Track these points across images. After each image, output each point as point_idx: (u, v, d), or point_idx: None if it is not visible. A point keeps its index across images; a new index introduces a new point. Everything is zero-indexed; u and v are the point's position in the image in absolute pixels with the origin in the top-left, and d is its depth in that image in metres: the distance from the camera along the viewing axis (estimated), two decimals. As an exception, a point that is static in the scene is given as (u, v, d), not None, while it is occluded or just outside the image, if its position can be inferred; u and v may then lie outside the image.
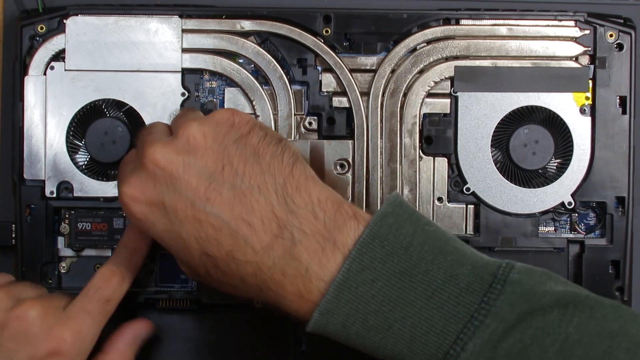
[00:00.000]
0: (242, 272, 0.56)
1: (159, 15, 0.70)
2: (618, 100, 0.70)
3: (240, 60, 0.71)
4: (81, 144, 0.70)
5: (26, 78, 0.69)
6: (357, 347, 0.56)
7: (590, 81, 0.70)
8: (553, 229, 0.71)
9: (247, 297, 0.58)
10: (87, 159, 0.70)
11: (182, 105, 0.70)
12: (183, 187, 0.56)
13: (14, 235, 0.70)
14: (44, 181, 0.69)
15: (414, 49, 0.70)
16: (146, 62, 0.69)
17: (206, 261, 0.56)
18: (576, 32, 0.70)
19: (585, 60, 0.70)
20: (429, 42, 0.70)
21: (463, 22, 0.70)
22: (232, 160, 0.56)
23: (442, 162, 0.71)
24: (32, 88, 0.69)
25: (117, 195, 0.69)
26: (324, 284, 0.55)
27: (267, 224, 0.55)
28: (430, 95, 0.70)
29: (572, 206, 0.70)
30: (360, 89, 0.70)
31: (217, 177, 0.56)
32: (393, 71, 0.70)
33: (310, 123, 0.70)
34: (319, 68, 0.70)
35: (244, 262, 0.55)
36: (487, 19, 0.70)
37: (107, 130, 0.70)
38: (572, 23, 0.70)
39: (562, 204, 0.70)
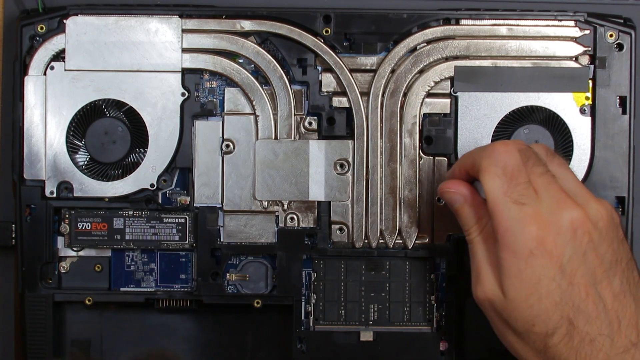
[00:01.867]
0: (587, 355, 0.57)
1: (159, 15, 0.70)
2: (618, 100, 0.70)
3: (240, 60, 0.71)
4: (81, 144, 0.70)
5: (26, 78, 0.69)
6: None
7: (590, 81, 0.70)
8: (553, 229, 0.71)
9: None
10: (87, 159, 0.70)
11: (181, 105, 0.70)
12: (592, 257, 0.58)
13: (14, 235, 0.70)
14: (44, 181, 0.69)
15: (414, 49, 0.70)
16: (146, 62, 0.69)
17: (563, 325, 0.57)
18: (576, 32, 0.70)
19: (585, 60, 0.70)
20: (429, 42, 0.70)
21: (463, 22, 0.70)
22: (623, 258, 0.59)
23: (442, 162, 0.71)
24: (32, 88, 0.69)
25: (117, 195, 0.69)
26: None
27: (629, 330, 0.57)
28: (430, 95, 0.70)
29: (572, 206, 0.70)
30: (360, 89, 0.70)
31: (613, 268, 0.58)
32: (393, 71, 0.70)
33: (310, 123, 0.70)
34: (319, 68, 0.70)
35: (596, 350, 0.57)
36: (487, 19, 0.70)
37: (107, 130, 0.70)
38: (572, 23, 0.70)
39: (562, 204, 0.70)
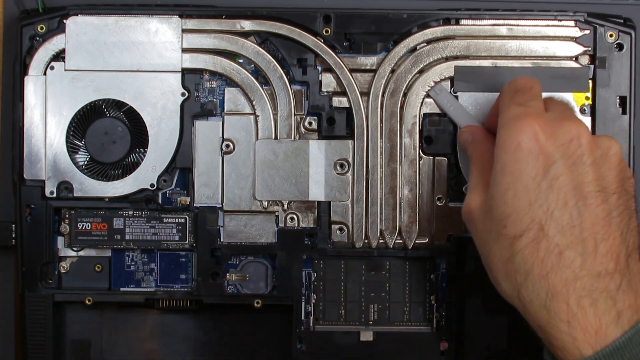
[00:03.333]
0: (552, 267, 0.55)
1: (159, 15, 0.70)
2: (618, 100, 0.70)
3: (240, 60, 0.71)
4: (81, 144, 0.70)
5: (26, 78, 0.69)
6: None
7: (590, 81, 0.70)
8: (553, 229, 0.71)
9: (512, 296, 0.57)
10: (87, 159, 0.70)
11: (181, 105, 0.70)
12: (582, 171, 0.56)
13: (14, 235, 0.70)
14: (44, 181, 0.69)
15: (414, 49, 0.70)
16: (146, 62, 0.69)
17: (533, 229, 0.55)
18: (576, 32, 0.70)
19: (585, 60, 0.70)
20: (429, 42, 0.70)
21: (463, 22, 0.70)
22: (620, 197, 0.57)
23: (442, 162, 0.71)
24: (32, 88, 0.69)
25: (117, 195, 0.69)
26: (590, 349, 0.54)
27: (607, 259, 0.55)
28: (430, 95, 0.70)
29: (572, 206, 0.70)
30: (360, 89, 0.70)
31: (606, 194, 0.56)
32: (393, 71, 0.70)
33: (310, 123, 0.70)
34: (319, 68, 0.70)
35: (564, 266, 0.55)
36: (487, 19, 0.70)
37: (107, 130, 0.70)
38: (572, 23, 0.70)
39: (562, 204, 0.70)
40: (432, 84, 0.70)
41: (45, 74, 0.69)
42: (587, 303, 0.54)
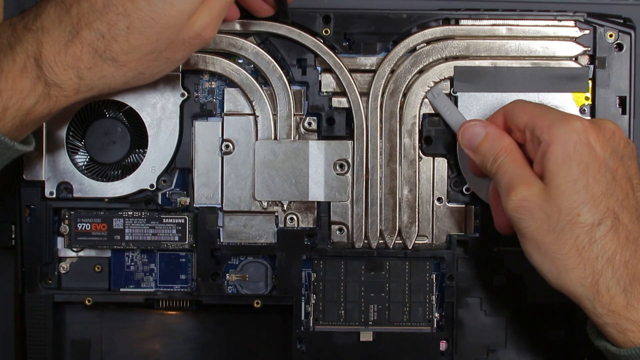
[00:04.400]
0: (633, 253, 0.57)
1: (158, 16, 0.69)
2: (618, 100, 0.70)
3: (240, 61, 0.71)
4: (81, 145, 0.70)
5: (26, 79, 0.69)
6: None
7: (590, 81, 0.70)
8: (553, 229, 0.71)
9: (583, 285, 0.58)
10: (87, 160, 0.70)
11: (181, 105, 0.70)
12: (628, 163, 0.60)
13: (13, 235, 0.70)
14: (43, 182, 0.69)
15: (414, 49, 0.70)
16: (146, 62, 0.69)
17: (610, 217, 0.58)
18: (576, 32, 0.70)
19: (585, 60, 0.70)
20: (428, 42, 0.70)
21: (463, 22, 0.70)
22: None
23: (441, 163, 0.71)
24: (32, 89, 0.69)
25: (117, 195, 0.69)
26: None
27: None
28: (427, 97, 0.70)
29: (571, 206, 0.70)
30: (359, 89, 0.70)
31: (635, 184, 0.60)
32: (392, 71, 0.70)
33: (309, 123, 0.70)
34: (319, 68, 0.70)
35: None
36: (487, 19, 0.70)
37: (107, 131, 0.70)
38: (571, 23, 0.70)
39: (562, 204, 0.70)
40: (432, 84, 0.70)
41: (44, 74, 0.69)
42: None
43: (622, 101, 0.70)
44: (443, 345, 0.71)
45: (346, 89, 0.70)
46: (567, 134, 0.59)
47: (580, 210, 0.58)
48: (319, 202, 0.70)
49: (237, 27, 0.70)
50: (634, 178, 0.60)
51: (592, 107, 0.70)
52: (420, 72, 0.70)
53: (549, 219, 0.58)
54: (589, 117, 0.70)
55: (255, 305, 0.70)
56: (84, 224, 0.70)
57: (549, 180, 0.59)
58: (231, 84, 0.70)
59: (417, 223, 0.70)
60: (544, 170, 0.59)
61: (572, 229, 0.58)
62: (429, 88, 0.70)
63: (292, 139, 0.70)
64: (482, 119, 0.66)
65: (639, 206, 0.59)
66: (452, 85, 0.70)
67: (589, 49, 0.70)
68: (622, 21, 0.70)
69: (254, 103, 0.70)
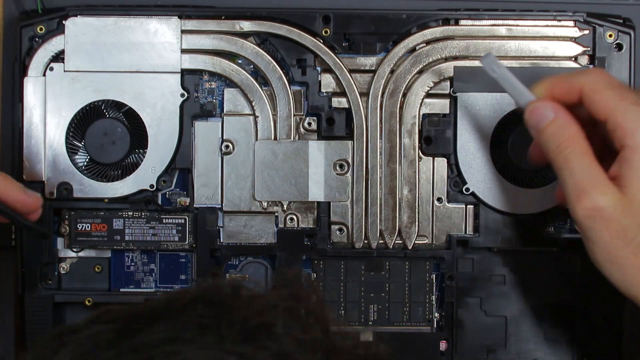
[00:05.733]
0: None
1: (158, 16, 0.69)
2: (617, 100, 0.70)
3: (240, 61, 0.71)
4: (81, 145, 0.70)
5: (25, 79, 0.69)
6: None
7: (589, 81, 0.70)
8: (553, 229, 0.71)
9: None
10: (87, 160, 0.70)
11: (181, 106, 0.70)
12: None
13: (13, 236, 0.70)
14: (43, 182, 0.69)
15: (414, 49, 0.70)
16: (145, 62, 0.69)
17: None
18: (575, 32, 0.70)
19: (584, 60, 0.70)
20: (428, 42, 0.70)
21: (462, 22, 0.70)
22: None
23: (441, 163, 0.71)
24: (32, 89, 0.69)
25: (117, 196, 0.69)
26: None
27: None
28: (429, 95, 0.70)
29: (571, 206, 0.70)
30: (359, 89, 0.70)
31: None
32: (392, 71, 0.70)
33: (309, 123, 0.70)
34: (319, 68, 0.70)
35: None
36: (487, 19, 0.70)
37: (107, 131, 0.70)
38: (571, 23, 0.70)
39: (562, 204, 0.70)
40: (432, 84, 0.70)
41: (44, 75, 0.69)
42: None
43: (622, 101, 0.70)
44: (443, 345, 0.71)
45: (346, 89, 0.70)
46: None
47: None
48: (319, 202, 0.70)
49: (237, 27, 0.70)
50: None
51: (592, 107, 0.70)
52: (420, 72, 0.70)
53: (626, 232, 0.56)
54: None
55: (255, 305, 0.70)
56: (84, 224, 0.70)
57: (631, 192, 0.55)
58: (231, 84, 0.70)
59: (417, 223, 0.70)
60: (623, 178, 0.56)
61: None
62: (428, 88, 0.69)
63: (292, 139, 0.70)
64: (553, 102, 0.60)
65: None
66: (452, 85, 0.70)
67: (589, 49, 0.70)
68: (621, 21, 0.70)
69: (253, 103, 0.70)
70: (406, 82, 0.70)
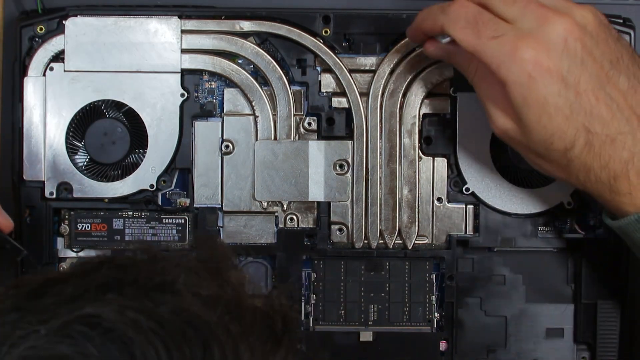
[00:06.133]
0: (610, 156, 0.59)
1: (158, 16, 0.69)
2: (618, 100, 0.70)
3: (240, 61, 0.71)
4: (81, 145, 0.70)
5: (25, 79, 0.69)
6: None
7: (589, 81, 0.70)
8: (552, 229, 0.71)
9: (576, 184, 0.62)
10: (87, 160, 0.70)
11: (181, 105, 0.70)
12: (590, 63, 0.58)
13: (14, 236, 0.70)
14: (43, 182, 0.69)
15: (414, 49, 0.70)
16: (145, 62, 0.69)
17: (581, 135, 0.59)
18: (575, 32, 0.70)
19: (584, 60, 0.70)
20: (428, 42, 0.70)
21: (462, 22, 0.70)
22: (623, 55, 0.60)
23: (441, 163, 0.71)
24: (32, 89, 0.69)
25: (117, 196, 0.69)
26: None
27: None
28: (429, 95, 0.70)
29: (571, 206, 0.70)
30: (359, 89, 0.70)
31: (615, 67, 0.59)
32: (392, 71, 0.70)
33: (309, 123, 0.70)
34: (319, 68, 0.70)
35: (619, 149, 0.59)
36: (487, 19, 0.70)
37: (107, 131, 0.70)
38: (571, 23, 0.70)
39: (562, 204, 0.70)
40: (432, 84, 0.70)
41: (44, 74, 0.69)
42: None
43: (622, 101, 0.70)
44: (443, 345, 0.71)
45: (346, 89, 0.70)
46: (518, 73, 0.58)
47: (552, 140, 0.59)
48: (319, 202, 0.70)
49: (237, 27, 0.70)
50: (603, 68, 0.59)
51: (592, 107, 0.70)
52: (420, 72, 0.70)
53: (529, 148, 0.61)
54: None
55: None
56: (84, 224, 0.70)
57: (516, 118, 0.60)
58: (231, 84, 0.70)
59: (417, 223, 0.70)
60: (509, 107, 0.60)
61: (550, 155, 0.60)
62: (428, 88, 0.69)
63: (292, 139, 0.70)
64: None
65: (612, 99, 0.59)
66: (451, 85, 0.70)
67: (589, 49, 0.70)
68: (621, 21, 0.70)
69: (253, 103, 0.70)
70: (406, 82, 0.70)
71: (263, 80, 0.70)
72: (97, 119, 0.70)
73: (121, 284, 0.37)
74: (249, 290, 0.40)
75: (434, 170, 0.70)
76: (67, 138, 0.69)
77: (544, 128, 0.59)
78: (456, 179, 0.70)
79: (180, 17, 0.70)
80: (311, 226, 0.71)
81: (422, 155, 0.70)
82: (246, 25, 0.70)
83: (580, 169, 0.60)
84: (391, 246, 0.70)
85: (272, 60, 0.70)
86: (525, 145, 0.61)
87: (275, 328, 0.39)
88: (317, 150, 0.70)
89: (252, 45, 0.70)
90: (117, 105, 0.70)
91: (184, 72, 0.70)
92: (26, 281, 0.39)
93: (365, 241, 0.70)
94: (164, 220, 0.70)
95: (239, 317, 0.37)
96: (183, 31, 0.70)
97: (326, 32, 0.70)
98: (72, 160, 0.70)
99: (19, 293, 0.37)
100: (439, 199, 0.71)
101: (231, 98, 0.70)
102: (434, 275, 0.71)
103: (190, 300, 0.36)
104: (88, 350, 0.34)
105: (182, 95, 0.70)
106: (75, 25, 0.69)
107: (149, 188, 0.70)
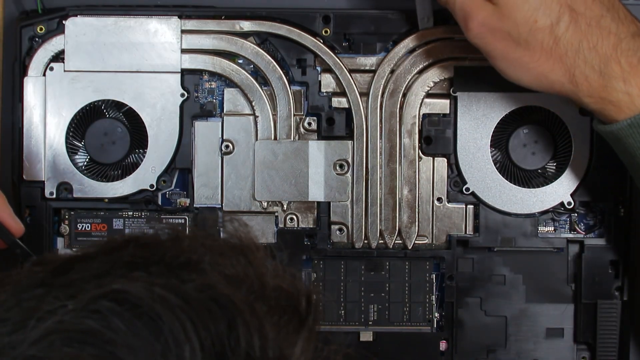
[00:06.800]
0: (597, 38, 0.59)
1: (158, 16, 0.69)
2: (617, 100, 0.70)
3: (240, 61, 0.71)
4: (81, 145, 0.70)
5: (26, 79, 0.69)
6: (637, 170, 0.62)
7: (589, 81, 0.70)
8: (552, 229, 0.71)
9: (563, 82, 0.61)
10: (87, 160, 0.70)
11: (181, 105, 0.70)
12: None
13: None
14: (43, 182, 0.69)
15: (414, 49, 0.70)
16: (145, 62, 0.69)
17: (565, 12, 0.59)
18: (575, 32, 0.70)
19: (584, 60, 0.70)
20: (428, 42, 0.70)
21: (462, 22, 0.70)
22: None
23: (441, 162, 0.71)
24: (32, 89, 0.69)
25: (117, 196, 0.69)
26: None
27: (628, 22, 0.60)
28: (429, 95, 0.70)
29: (571, 206, 0.70)
30: (359, 89, 0.70)
31: None
32: (392, 71, 0.70)
33: (309, 123, 0.70)
34: (319, 68, 0.70)
35: (605, 32, 0.59)
36: (487, 19, 0.70)
37: (107, 131, 0.70)
38: (571, 23, 0.70)
39: (562, 203, 0.70)
40: (432, 84, 0.70)
41: (44, 74, 0.69)
42: (636, 61, 0.59)
43: (622, 101, 0.70)
44: (443, 345, 0.71)
45: (346, 89, 0.70)
46: None
47: (535, 17, 0.60)
48: (319, 202, 0.70)
49: (237, 27, 0.70)
50: None
51: (592, 107, 0.70)
52: (420, 72, 0.70)
53: (511, 34, 0.60)
54: (589, 116, 0.70)
55: (255, 305, 0.70)
56: (84, 224, 0.70)
57: (499, 2, 0.60)
58: (231, 84, 0.70)
59: (417, 223, 0.70)
60: None
61: (535, 36, 0.60)
62: (428, 88, 0.69)
63: (292, 139, 0.70)
64: None
65: None
66: (451, 85, 0.70)
67: (589, 48, 0.70)
68: (621, 21, 0.70)
69: (253, 103, 0.70)
70: (406, 82, 0.70)
71: (263, 80, 0.70)
72: (97, 119, 0.70)
73: (147, 263, 0.37)
74: (273, 272, 0.40)
75: (434, 170, 0.70)
76: (67, 138, 0.69)
77: (526, 2, 0.59)
78: (456, 179, 0.70)
79: (180, 17, 0.70)
80: (311, 226, 0.71)
81: (422, 155, 0.70)
82: (246, 25, 0.70)
83: (568, 50, 0.60)
84: (391, 246, 0.70)
85: (272, 60, 0.70)
86: (506, 32, 0.60)
87: (300, 308, 0.39)
88: (317, 150, 0.70)
89: (252, 45, 0.70)
90: (117, 105, 0.70)
91: (184, 72, 0.70)
92: (51, 258, 0.39)
93: (365, 241, 0.70)
94: (164, 220, 0.70)
95: (263, 297, 0.38)
96: (183, 31, 0.70)
97: (326, 32, 0.70)
98: (72, 160, 0.70)
99: (44, 270, 0.38)
100: (439, 199, 0.71)
101: (231, 98, 0.70)
102: (434, 275, 0.71)
103: (216, 278, 0.37)
104: (116, 325, 0.34)
105: (182, 95, 0.70)
106: (75, 25, 0.69)
107: (149, 188, 0.70)
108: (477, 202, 0.70)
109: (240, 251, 0.40)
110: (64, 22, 0.69)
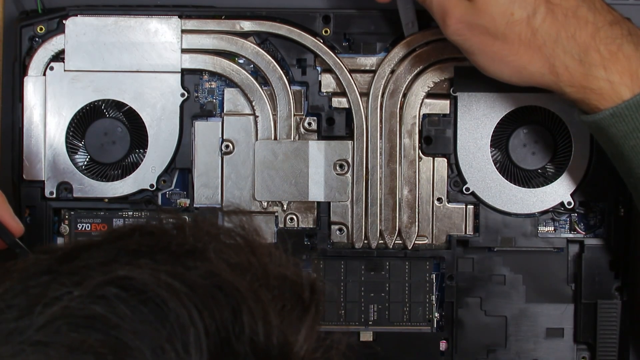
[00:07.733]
0: (575, 28, 0.60)
1: (158, 16, 0.69)
2: (617, 100, 0.70)
3: (240, 61, 0.71)
4: (81, 145, 0.70)
5: (26, 79, 0.69)
6: (620, 161, 0.62)
7: (589, 81, 0.70)
8: (553, 228, 0.71)
9: (544, 73, 0.61)
10: (87, 160, 0.70)
11: (181, 105, 0.70)
12: None
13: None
14: (43, 182, 0.69)
15: (414, 50, 0.70)
16: (145, 62, 0.69)
17: (541, 3, 0.60)
18: (576, 32, 0.70)
19: (584, 60, 0.70)
20: (428, 42, 0.70)
21: (462, 22, 0.70)
22: None
23: (441, 163, 0.71)
24: (32, 89, 0.69)
25: (117, 196, 0.69)
26: (629, 92, 0.59)
27: (604, 12, 0.61)
28: (429, 95, 0.70)
29: (571, 206, 0.70)
30: (359, 89, 0.70)
31: None
32: (392, 71, 0.70)
33: (309, 123, 0.70)
34: (319, 68, 0.70)
35: (583, 22, 0.60)
36: (487, 19, 0.70)
37: (107, 131, 0.70)
38: (571, 23, 0.70)
39: (562, 203, 0.70)
40: (432, 84, 0.70)
41: (44, 74, 0.69)
42: (615, 48, 0.60)
43: (622, 101, 0.70)
44: (443, 345, 0.71)
45: (346, 89, 0.70)
46: None
47: (512, 10, 0.60)
48: (319, 202, 0.70)
49: (237, 27, 0.70)
50: None
51: (592, 107, 0.70)
52: (420, 72, 0.70)
53: (488, 29, 0.61)
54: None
55: (255, 305, 0.70)
56: (84, 224, 0.70)
57: None
58: (231, 84, 0.70)
59: (417, 223, 0.70)
60: None
61: (512, 29, 0.60)
62: (429, 88, 0.69)
63: (292, 139, 0.70)
64: None
65: None
66: (452, 86, 0.70)
67: (589, 49, 0.70)
68: (621, 21, 0.70)
69: (254, 103, 0.70)
70: (406, 82, 0.70)
71: (263, 80, 0.70)
72: (97, 118, 0.70)
73: (153, 250, 0.38)
74: (276, 260, 0.40)
75: (434, 170, 0.70)
76: (67, 138, 0.69)
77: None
78: (456, 179, 0.70)
79: (180, 17, 0.70)
80: (311, 226, 0.71)
81: (422, 155, 0.70)
82: (246, 25, 0.70)
83: (546, 41, 0.60)
84: (391, 246, 0.70)
85: (272, 60, 0.70)
86: (484, 27, 0.60)
87: (303, 296, 0.39)
88: (317, 150, 0.70)
89: (252, 45, 0.70)
90: (117, 105, 0.70)
91: (184, 72, 0.70)
92: (56, 247, 0.40)
93: (365, 241, 0.70)
94: (164, 220, 0.70)
95: (267, 285, 0.38)
96: (183, 31, 0.70)
97: (326, 32, 0.70)
98: (72, 160, 0.70)
99: (50, 257, 0.38)
100: (439, 199, 0.71)
101: (231, 98, 0.70)
102: (434, 275, 0.71)
103: (221, 266, 0.37)
104: (122, 311, 0.34)
105: (182, 95, 0.70)
106: (75, 25, 0.69)
107: (149, 188, 0.70)
108: (477, 202, 0.70)
109: (244, 240, 0.41)
110: (64, 21, 0.69)
